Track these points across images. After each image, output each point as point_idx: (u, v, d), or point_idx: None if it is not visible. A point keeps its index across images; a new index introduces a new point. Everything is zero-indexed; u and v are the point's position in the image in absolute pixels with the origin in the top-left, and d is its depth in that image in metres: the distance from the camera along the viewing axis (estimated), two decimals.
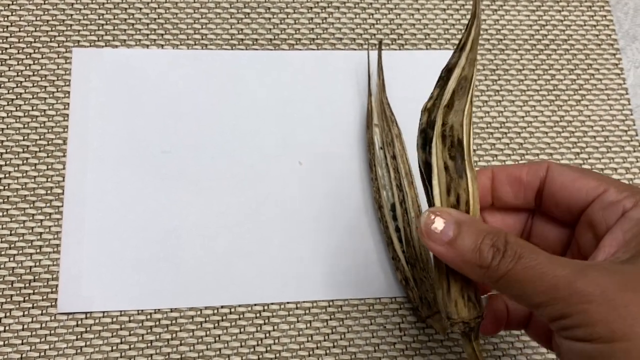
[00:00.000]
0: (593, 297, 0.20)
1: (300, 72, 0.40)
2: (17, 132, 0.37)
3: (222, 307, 0.35)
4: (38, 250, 0.35)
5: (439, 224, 0.23)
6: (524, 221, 0.29)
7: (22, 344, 0.33)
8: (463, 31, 0.27)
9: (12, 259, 0.35)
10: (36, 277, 0.34)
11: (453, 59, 0.26)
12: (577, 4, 0.44)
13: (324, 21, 0.41)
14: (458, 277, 0.25)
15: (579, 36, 0.43)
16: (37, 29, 0.39)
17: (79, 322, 0.34)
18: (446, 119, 0.25)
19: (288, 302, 0.36)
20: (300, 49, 0.40)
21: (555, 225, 0.27)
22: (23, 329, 0.34)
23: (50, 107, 0.37)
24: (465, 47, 0.26)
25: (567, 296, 0.20)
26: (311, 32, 0.41)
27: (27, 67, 0.38)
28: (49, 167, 0.36)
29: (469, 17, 0.42)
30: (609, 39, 0.43)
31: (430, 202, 0.25)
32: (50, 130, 0.37)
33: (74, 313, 0.34)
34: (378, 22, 0.42)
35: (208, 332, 0.35)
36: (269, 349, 0.35)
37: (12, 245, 0.35)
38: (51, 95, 0.38)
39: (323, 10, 0.41)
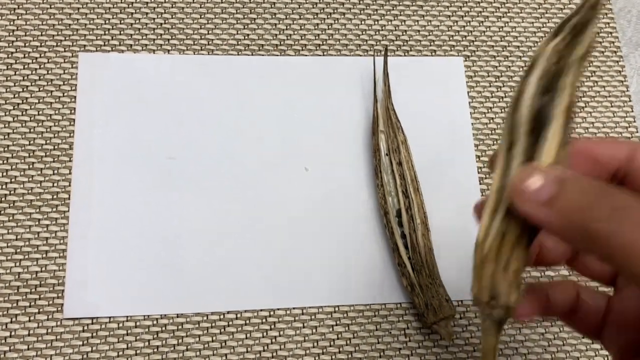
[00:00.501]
0: None
1: (306, 77, 0.40)
2: (23, 136, 0.37)
3: (228, 312, 0.35)
4: (44, 256, 0.35)
5: (537, 179, 0.20)
6: None
7: (28, 349, 0.33)
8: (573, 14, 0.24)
9: (18, 264, 0.34)
10: (42, 282, 0.34)
11: (586, 13, 0.23)
12: None
13: (330, 27, 0.41)
14: (522, 254, 0.21)
15: None
16: (44, 33, 0.39)
17: (85, 328, 0.34)
18: (577, 73, 0.22)
19: (294, 308, 0.36)
20: (306, 55, 0.41)
21: None
22: (29, 335, 0.34)
23: (57, 112, 0.37)
24: (596, 8, 0.23)
25: None
26: (317, 38, 0.41)
27: (34, 71, 0.38)
28: (55, 171, 0.36)
29: (474, 24, 0.42)
30: (612, 46, 0.44)
31: (525, 157, 0.22)
32: (56, 135, 0.37)
33: (80, 318, 0.34)
34: (383, 28, 0.42)
35: (214, 338, 0.35)
36: (275, 354, 0.35)
37: (18, 250, 0.35)
38: (57, 100, 0.38)
39: (329, 17, 0.42)
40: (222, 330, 0.35)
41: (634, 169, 0.23)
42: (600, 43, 0.44)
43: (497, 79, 0.42)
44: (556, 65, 0.22)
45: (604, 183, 0.20)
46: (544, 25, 0.43)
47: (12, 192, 0.36)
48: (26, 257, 0.35)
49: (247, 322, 0.35)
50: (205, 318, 0.35)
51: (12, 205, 0.35)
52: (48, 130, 0.37)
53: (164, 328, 0.34)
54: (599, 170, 0.24)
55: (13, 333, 0.33)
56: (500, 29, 0.43)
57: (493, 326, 0.22)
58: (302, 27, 0.41)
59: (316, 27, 0.41)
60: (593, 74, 0.43)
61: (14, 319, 0.34)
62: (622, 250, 0.18)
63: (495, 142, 0.40)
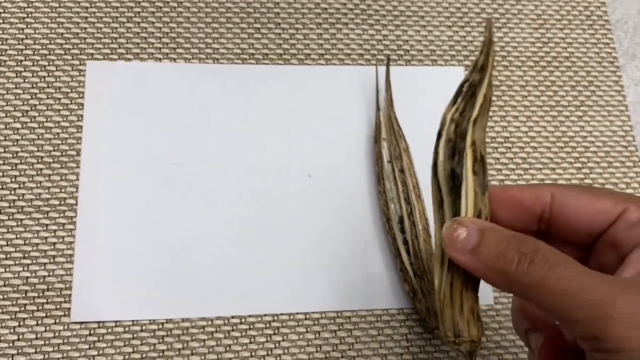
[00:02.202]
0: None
1: (309, 86, 0.41)
2: (32, 143, 0.37)
3: (232, 317, 0.36)
4: (51, 260, 0.35)
5: (462, 232, 0.23)
6: None
7: (35, 352, 0.34)
8: (478, 52, 0.27)
9: (26, 268, 0.35)
10: (49, 287, 0.35)
11: (475, 76, 0.26)
12: (579, 22, 0.45)
13: (333, 37, 0.42)
14: (471, 295, 0.25)
15: (580, 54, 0.44)
16: (52, 41, 0.39)
17: (92, 331, 0.34)
18: (473, 133, 0.25)
19: (297, 313, 0.36)
20: (309, 64, 0.41)
21: (568, 245, 0.26)
22: (36, 338, 0.34)
23: (64, 119, 0.38)
24: (485, 68, 0.26)
25: (608, 316, 0.19)
26: (320, 47, 0.42)
27: (42, 79, 0.38)
28: (63, 178, 0.37)
29: (474, 34, 0.43)
30: (609, 57, 0.44)
31: (452, 213, 0.25)
32: (64, 142, 0.37)
33: (87, 322, 0.35)
34: (385, 38, 0.43)
35: (219, 342, 0.35)
36: (278, 359, 0.35)
37: (26, 255, 0.35)
38: (65, 107, 0.38)
39: (332, 26, 0.42)
40: (227, 334, 0.35)
41: (555, 211, 0.26)
42: (598, 54, 0.44)
43: (497, 88, 0.43)
44: (456, 131, 0.25)
45: (516, 232, 0.23)
46: (543, 35, 0.44)
47: (20, 197, 0.36)
48: (34, 261, 0.35)
49: (251, 326, 0.36)
50: (210, 322, 0.35)
51: (20, 210, 0.36)
52: (56, 137, 0.38)
53: (169, 332, 0.35)
54: (525, 215, 0.26)
55: (20, 336, 0.34)
56: (500, 39, 0.44)
57: (466, 357, 0.26)
58: (306, 37, 0.42)
59: (319, 36, 0.42)
60: (590, 84, 0.44)
61: (21, 323, 0.34)
62: (532, 288, 0.21)
63: (494, 150, 0.41)
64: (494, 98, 0.42)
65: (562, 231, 0.26)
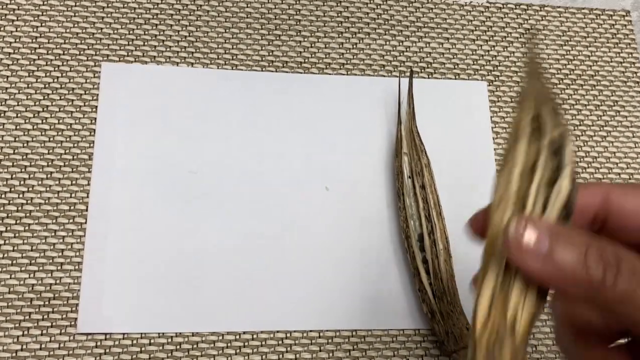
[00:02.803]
0: None
1: (329, 96, 0.40)
2: (43, 145, 0.36)
3: (244, 332, 0.34)
4: (59, 268, 0.34)
5: (531, 235, 0.20)
6: None
7: None
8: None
9: (32, 275, 0.34)
10: (56, 295, 0.34)
11: None
12: (604, 40, 0.44)
13: (354, 47, 0.41)
14: (529, 311, 0.21)
15: (605, 72, 0.43)
16: (67, 41, 0.38)
17: (99, 343, 0.33)
18: None
19: (311, 330, 0.35)
20: (329, 74, 0.40)
21: (624, 245, 0.24)
22: (41, 348, 0.33)
23: (77, 121, 0.37)
24: None
25: None
26: (341, 57, 0.41)
27: (55, 79, 0.37)
28: (74, 182, 0.36)
29: (498, 49, 0.42)
30: (635, 77, 0.44)
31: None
32: (76, 145, 0.36)
33: (94, 334, 0.33)
34: (408, 49, 0.42)
35: (229, 358, 0.34)
36: None
37: (33, 262, 0.34)
38: (78, 109, 0.37)
39: (353, 36, 0.41)
40: (238, 350, 0.34)
41: (611, 212, 0.24)
42: (623, 73, 0.44)
43: None
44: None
45: (591, 234, 0.20)
46: (568, 52, 0.43)
47: (29, 201, 0.35)
48: (41, 268, 0.34)
49: (263, 343, 0.34)
50: (220, 338, 0.34)
51: (28, 214, 0.35)
52: (68, 139, 0.36)
53: (178, 346, 0.34)
54: (577, 219, 0.24)
55: (24, 346, 0.33)
56: (525, 55, 0.43)
57: None
58: (327, 46, 0.41)
59: (341, 46, 0.41)
60: (615, 103, 0.43)
61: (25, 332, 0.33)
62: (620, 302, 0.19)
63: None
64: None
65: (619, 232, 0.24)
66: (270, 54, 0.40)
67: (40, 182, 0.35)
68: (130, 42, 0.39)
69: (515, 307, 0.20)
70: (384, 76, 0.41)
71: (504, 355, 0.20)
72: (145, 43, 0.39)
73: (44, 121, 0.36)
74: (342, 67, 0.41)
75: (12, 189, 0.35)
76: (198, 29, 0.40)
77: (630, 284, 0.19)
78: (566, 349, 0.26)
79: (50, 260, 0.34)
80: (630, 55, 0.44)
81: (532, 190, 0.21)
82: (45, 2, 0.39)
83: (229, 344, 0.34)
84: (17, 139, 0.36)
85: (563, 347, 0.27)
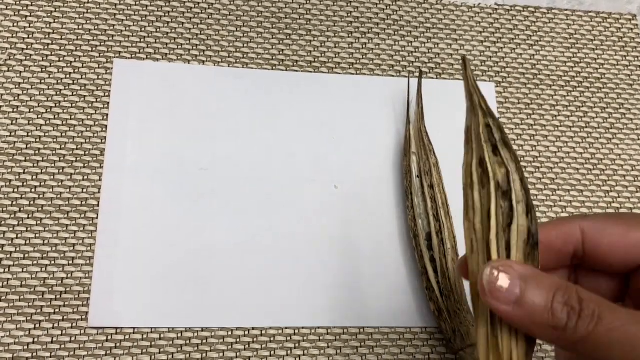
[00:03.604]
0: None
1: (338, 95, 0.40)
2: (55, 140, 0.36)
3: (253, 328, 0.35)
4: (70, 262, 0.34)
5: (503, 281, 0.21)
6: (566, 277, 0.26)
7: (51, 357, 0.33)
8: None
9: (44, 269, 0.34)
10: (67, 289, 0.34)
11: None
12: (611, 43, 0.45)
13: (364, 46, 0.41)
14: (522, 347, 0.22)
15: (611, 75, 0.44)
16: (79, 37, 0.38)
17: (109, 337, 0.33)
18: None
19: (319, 327, 0.35)
20: (339, 73, 0.41)
21: (604, 275, 0.25)
22: (52, 342, 0.33)
23: (89, 117, 0.37)
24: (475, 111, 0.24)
25: None
26: (351, 56, 0.41)
27: (68, 75, 0.38)
28: (85, 177, 0.36)
29: (506, 50, 0.43)
30: None
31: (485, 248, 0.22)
32: (87, 141, 0.37)
33: (105, 328, 0.34)
34: (417, 50, 0.42)
35: (238, 354, 0.34)
36: None
37: (45, 256, 0.34)
38: (90, 105, 0.37)
39: (363, 36, 0.42)
40: (247, 346, 0.34)
41: (588, 248, 0.24)
42: (629, 76, 0.44)
43: (527, 107, 0.42)
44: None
45: (557, 279, 0.21)
46: (575, 55, 0.44)
47: (41, 196, 0.35)
48: (52, 262, 0.34)
49: (272, 339, 0.35)
50: (230, 333, 0.35)
51: (40, 209, 0.35)
52: (80, 135, 0.37)
53: (188, 341, 0.34)
54: (557, 257, 0.25)
55: (36, 340, 0.33)
56: (532, 57, 0.43)
57: None
58: (337, 45, 0.41)
59: (350, 45, 0.41)
60: (621, 106, 0.43)
61: (37, 326, 0.33)
62: (581, 343, 0.20)
63: (524, 169, 0.40)
64: (523, 116, 0.42)
65: (597, 265, 0.25)
66: (281, 52, 0.40)
67: (52, 177, 0.36)
68: (143, 40, 0.39)
69: (508, 349, 0.22)
70: (393, 76, 0.41)
71: None
72: (157, 40, 0.39)
73: (57, 117, 0.37)
74: (351, 66, 0.41)
75: (25, 184, 0.35)
76: (209, 27, 0.40)
77: (589, 326, 0.20)
78: None
79: (62, 255, 0.34)
80: (636, 59, 0.45)
81: (492, 237, 0.22)
82: None
83: (238, 340, 0.35)
84: (29, 134, 0.36)
85: None
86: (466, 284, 0.35)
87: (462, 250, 0.36)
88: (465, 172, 0.24)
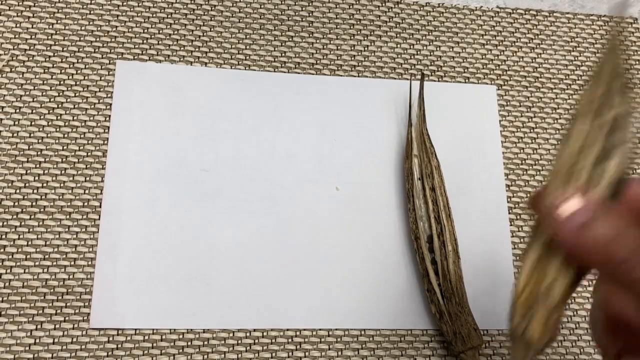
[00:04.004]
0: None
1: (340, 97, 0.40)
2: (57, 141, 0.36)
3: (254, 330, 0.35)
4: (72, 263, 0.34)
5: (573, 205, 0.20)
6: None
7: (52, 358, 0.33)
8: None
9: (45, 270, 0.34)
10: (69, 290, 0.34)
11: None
12: None
13: (366, 49, 0.42)
14: (563, 285, 0.22)
15: None
16: (82, 38, 0.39)
17: (111, 338, 0.34)
18: None
19: (320, 329, 0.35)
20: (341, 75, 0.41)
21: None
22: (54, 343, 0.33)
23: (91, 118, 0.37)
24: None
25: None
26: (353, 59, 0.41)
27: (70, 76, 0.38)
28: (87, 179, 0.36)
29: (507, 53, 0.43)
30: None
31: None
32: (90, 142, 0.37)
33: (106, 329, 0.34)
34: (418, 52, 0.42)
35: (240, 355, 0.34)
36: None
37: (47, 257, 0.34)
38: (92, 106, 0.37)
39: (365, 39, 0.42)
40: (248, 348, 0.35)
41: None
42: (631, 79, 0.44)
43: (529, 110, 0.42)
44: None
45: (629, 222, 0.20)
46: (576, 58, 0.44)
47: (43, 197, 0.35)
48: (54, 263, 0.34)
49: (273, 341, 0.35)
50: (231, 335, 0.35)
51: (42, 210, 0.35)
52: (82, 136, 0.37)
53: (189, 343, 0.34)
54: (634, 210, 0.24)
55: (37, 340, 0.33)
56: (533, 60, 0.43)
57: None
58: (339, 48, 0.41)
59: (352, 48, 0.41)
60: None
61: (39, 326, 0.33)
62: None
63: (524, 172, 0.41)
64: (524, 119, 0.42)
65: None
66: (283, 54, 0.40)
67: (54, 178, 0.36)
68: (145, 41, 0.39)
69: (551, 279, 0.22)
70: (395, 79, 0.41)
71: (537, 317, 0.22)
72: (160, 42, 0.39)
73: (59, 118, 0.37)
74: (353, 69, 0.41)
75: (27, 185, 0.35)
76: (212, 29, 0.40)
77: None
78: (598, 336, 0.26)
79: (64, 256, 0.34)
80: (637, 62, 0.45)
81: (583, 165, 0.22)
82: (62, 0, 0.39)
83: (239, 341, 0.35)
84: (32, 135, 0.36)
85: (595, 332, 0.26)
86: (468, 287, 0.36)
87: (463, 253, 0.36)
88: (584, 99, 0.23)
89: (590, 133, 0.22)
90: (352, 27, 0.42)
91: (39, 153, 0.36)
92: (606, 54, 0.25)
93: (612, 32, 0.25)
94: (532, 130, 0.42)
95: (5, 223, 0.34)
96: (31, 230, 0.35)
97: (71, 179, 0.36)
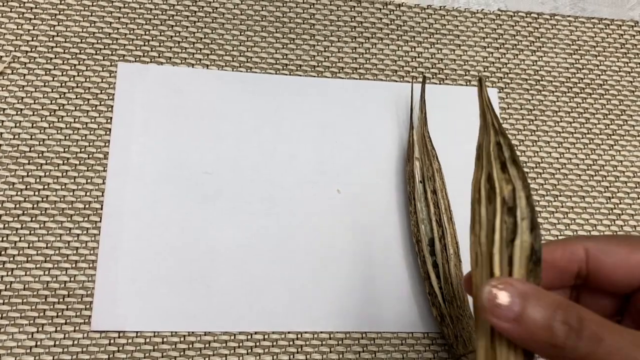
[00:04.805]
0: None
1: (342, 100, 0.40)
2: (58, 143, 0.36)
3: (256, 333, 0.35)
4: (73, 265, 0.34)
5: (503, 299, 0.21)
6: (567, 296, 0.27)
7: None
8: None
9: (47, 272, 0.34)
10: (70, 293, 0.34)
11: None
12: (613, 50, 0.45)
13: (367, 51, 0.42)
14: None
15: (613, 82, 0.44)
16: (84, 40, 0.38)
17: (112, 341, 0.33)
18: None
19: (321, 332, 0.35)
20: (342, 78, 0.41)
21: (605, 295, 0.26)
22: (54, 345, 0.33)
23: (93, 120, 0.37)
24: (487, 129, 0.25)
25: None
26: (354, 61, 0.41)
27: (72, 78, 0.38)
28: (89, 180, 0.36)
29: (509, 56, 0.43)
30: None
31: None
32: (91, 144, 0.37)
33: (107, 331, 0.34)
34: (420, 55, 0.42)
35: (241, 358, 0.34)
36: None
37: (48, 259, 0.34)
38: (94, 108, 0.37)
39: (367, 41, 0.42)
40: (250, 350, 0.35)
41: (591, 268, 0.24)
42: (631, 83, 0.44)
43: (530, 112, 0.42)
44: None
45: (558, 297, 0.21)
46: (577, 61, 0.44)
47: (44, 199, 0.35)
48: (55, 266, 0.34)
49: (275, 343, 0.35)
50: (233, 337, 0.35)
51: (43, 212, 0.35)
52: (83, 138, 0.37)
53: (191, 345, 0.34)
54: (561, 276, 0.25)
55: (38, 343, 0.33)
56: (534, 63, 0.43)
57: None
58: (340, 50, 0.41)
59: (354, 50, 0.41)
60: (623, 112, 0.43)
61: (40, 329, 0.33)
62: None
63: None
64: (526, 122, 0.42)
65: (600, 285, 0.25)
66: (285, 57, 0.40)
67: (55, 180, 0.36)
68: (147, 43, 0.39)
69: None
70: (396, 81, 0.41)
71: None
72: (162, 44, 0.39)
73: (60, 119, 0.37)
74: (354, 71, 0.41)
75: (28, 187, 0.35)
76: (214, 31, 0.40)
77: (589, 347, 0.20)
78: None
79: (65, 258, 0.34)
80: (638, 65, 0.45)
81: (495, 251, 0.22)
82: (63, 2, 0.39)
83: (240, 344, 0.35)
84: (33, 137, 0.36)
85: None
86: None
87: (464, 256, 0.36)
88: (474, 187, 0.24)
89: (489, 218, 0.23)
90: (353, 29, 0.42)
91: (40, 155, 0.36)
92: (481, 131, 0.25)
93: (482, 112, 0.25)
94: (533, 133, 0.42)
95: (6, 225, 0.34)
96: (32, 232, 0.35)
97: (72, 181, 0.36)
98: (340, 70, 0.41)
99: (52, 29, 0.38)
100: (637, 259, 0.24)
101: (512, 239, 0.22)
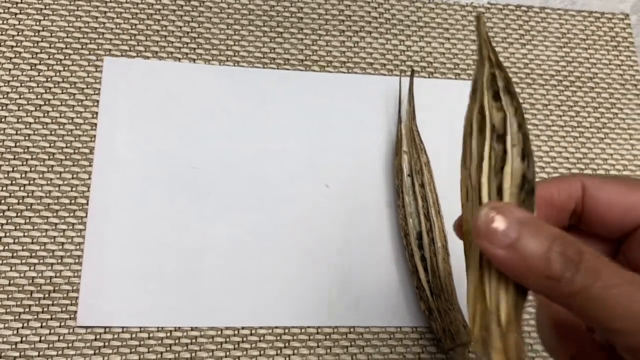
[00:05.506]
0: None
1: (330, 94, 0.40)
2: (44, 138, 0.36)
3: (243, 328, 0.35)
4: (59, 261, 0.34)
5: (499, 223, 0.20)
6: None
7: (39, 356, 0.33)
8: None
9: (32, 268, 0.34)
10: (56, 288, 0.34)
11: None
12: (603, 43, 0.45)
13: (356, 45, 0.41)
14: (512, 298, 0.21)
15: (603, 75, 0.44)
16: (69, 35, 0.38)
17: (98, 337, 0.33)
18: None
19: (309, 327, 0.35)
20: (330, 71, 0.40)
21: (596, 240, 0.24)
22: (40, 341, 0.33)
23: (79, 115, 0.37)
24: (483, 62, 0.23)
25: None
26: (342, 55, 0.41)
27: (57, 73, 0.37)
28: (74, 176, 0.36)
29: (498, 49, 0.42)
30: (632, 79, 0.44)
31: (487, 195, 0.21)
32: (77, 139, 0.36)
33: (93, 327, 0.33)
34: (409, 49, 0.42)
35: (228, 353, 0.34)
36: None
37: (33, 254, 0.34)
38: (80, 103, 0.37)
39: (355, 35, 0.42)
40: (236, 345, 0.34)
41: (587, 204, 0.23)
42: (622, 75, 0.44)
43: None
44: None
45: (557, 229, 0.20)
46: (567, 54, 0.44)
47: (30, 194, 0.35)
48: (41, 261, 0.34)
49: (262, 338, 0.35)
50: (219, 332, 0.34)
51: (29, 207, 0.35)
52: (69, 133, 0.36)
53: (177, 341, 0.34)
54: (558, 213, 0.24)
55: (24, 339, 0.33)
56: (524, 56, 0.43)
57: None
58: (328, 44, 0.41)
59: (342, 44, 0.41)
60: (613, 105, 0.43)
61: (25, 325, 0.33)
62: (575, 297, 0.19)
63: None
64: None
65: (593, 225, 0.24)
66: (272, 51, 0.40)
67: (41, 175, 0.35)
68: (133, 37, 0.39)
69: (495, 298, 0.20)
70: (385, 75, 0.41)
71: (494, 343, 0.20)
72: (148, 38, 0.39)
73: (46, 114, 0.37)
74: (343, 65, 0.41)
75: (14, 182, 0.35)
76: (200, 25, 0.40)
77: (586, 280, 0.19)
78: (548, 345, 0.26)
79: (51, 253, 0.34)
80: (628, 58, 0.44)
81: (483, 180, 0.21)
82: None
83: (227, 339, 0.34)
84: (18, 132, 0.36)
85: (545, 342, 0.26)
86: (457, 284, 0.35)
87: (452, 250, 0.36)
88: (466, 120, 0.23)
89: (480, 149, 0.22)
90: (342, 23, 0.42)
91: (25, 150, 0.36)
92: (477, 65, 0.24)
93: (479, 47, 0.24)
94: None
95: None
96: (18, 227, 0.34)
97: (58, 176, 0.36)
98: (329, 64, 0.41)
99: (37, 23, 0.38)
100: (633, 200, 0.23)
101: (501, 167, 0.21)
